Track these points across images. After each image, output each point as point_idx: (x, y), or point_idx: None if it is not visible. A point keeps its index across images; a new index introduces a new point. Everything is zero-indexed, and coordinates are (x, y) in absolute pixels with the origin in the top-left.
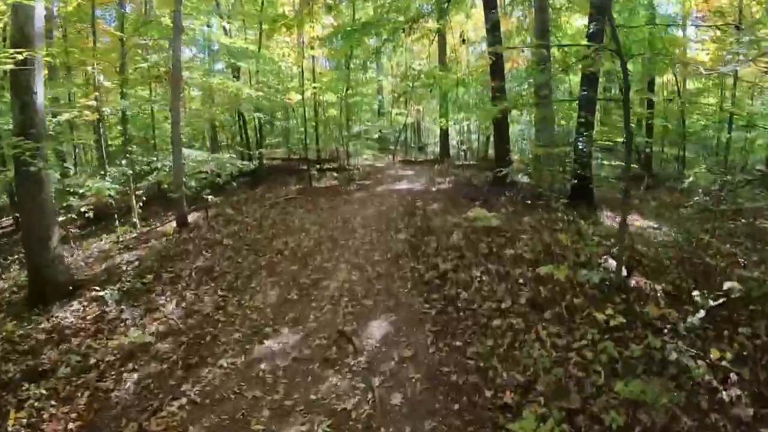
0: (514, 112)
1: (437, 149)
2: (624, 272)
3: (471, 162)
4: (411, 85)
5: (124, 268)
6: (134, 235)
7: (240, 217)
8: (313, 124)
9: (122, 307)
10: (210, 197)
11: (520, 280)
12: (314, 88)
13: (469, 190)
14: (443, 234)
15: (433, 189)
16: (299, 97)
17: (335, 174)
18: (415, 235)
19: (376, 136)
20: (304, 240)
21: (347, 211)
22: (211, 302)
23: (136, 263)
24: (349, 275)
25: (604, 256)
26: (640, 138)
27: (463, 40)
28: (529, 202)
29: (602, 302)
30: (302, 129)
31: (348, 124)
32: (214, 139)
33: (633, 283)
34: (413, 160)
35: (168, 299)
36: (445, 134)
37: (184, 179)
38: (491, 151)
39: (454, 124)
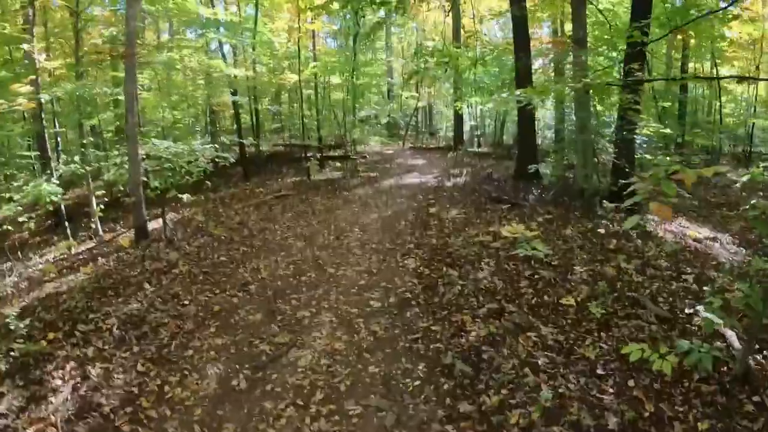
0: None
1: (449, 134)
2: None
3: (485, 149)
4: (423, 65)
5: (27, 319)
6: (91, 245)
7: (212, 225)
8: (314, 108)
9: (4, 388)
10: (186, 196)
11: (598, 368)
12: (314, 67)
13: (492, 188)
14: (468, 263)
15: (449, 184)
16: (296, 77)
17: (338, 164)
18: (429, 261)
19: (385, 120)
20: (282, 264)
21: (345, 216)
22: (123, 387)
23: (63, 297)
24: (330, 340)
25: (695, 308)
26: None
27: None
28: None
29: (729, 418)
30: (305, 113)
31: (354, 108)
32: (213, 126)
33: (751, 362)
34: (424, 146)
35: (66, 378)
36: (458, 119)
37: (144, 178)
38: (505, 137)
39: (470, 107)
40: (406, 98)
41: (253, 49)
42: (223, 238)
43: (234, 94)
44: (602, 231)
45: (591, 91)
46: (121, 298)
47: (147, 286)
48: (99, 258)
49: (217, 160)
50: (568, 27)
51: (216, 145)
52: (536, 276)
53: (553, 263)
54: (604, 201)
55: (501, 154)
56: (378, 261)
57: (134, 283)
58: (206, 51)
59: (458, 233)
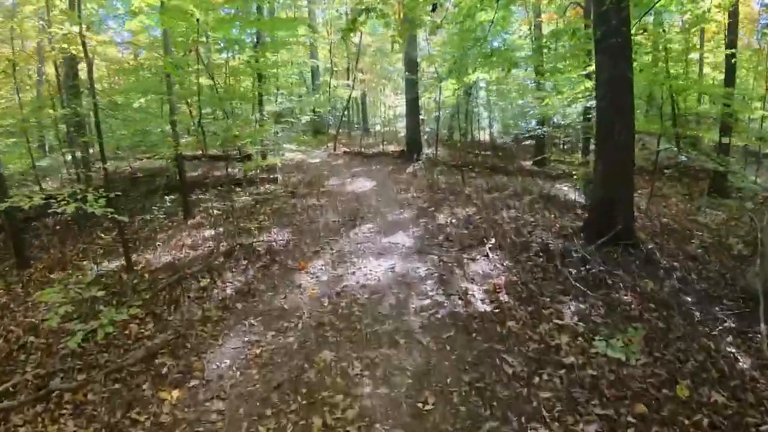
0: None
1: (384, 129)
2: None
3: (444, 154)
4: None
5: None
6: None
7: None
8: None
9: None
10: None
11: None
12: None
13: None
14: None
15: (484, 304)
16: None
17: (216, 207)
18: None
19: (306, 119)
20: None
21: None
22: None
23: None
24: None
25: None
26: None
27: None
28: None
29: None
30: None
31: (260, 101)
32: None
33: None
34: (364, 152)
35: None
36: (415, 111)
37: None
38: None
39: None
40: (335, 88)
41: None
42: None
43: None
44: None
45: None
46: None
47: None
48: None
49: None
50: None
51: None
52: None
53: None
54: None
55: (480, 162)
56: None
57: None
58: None
59: None
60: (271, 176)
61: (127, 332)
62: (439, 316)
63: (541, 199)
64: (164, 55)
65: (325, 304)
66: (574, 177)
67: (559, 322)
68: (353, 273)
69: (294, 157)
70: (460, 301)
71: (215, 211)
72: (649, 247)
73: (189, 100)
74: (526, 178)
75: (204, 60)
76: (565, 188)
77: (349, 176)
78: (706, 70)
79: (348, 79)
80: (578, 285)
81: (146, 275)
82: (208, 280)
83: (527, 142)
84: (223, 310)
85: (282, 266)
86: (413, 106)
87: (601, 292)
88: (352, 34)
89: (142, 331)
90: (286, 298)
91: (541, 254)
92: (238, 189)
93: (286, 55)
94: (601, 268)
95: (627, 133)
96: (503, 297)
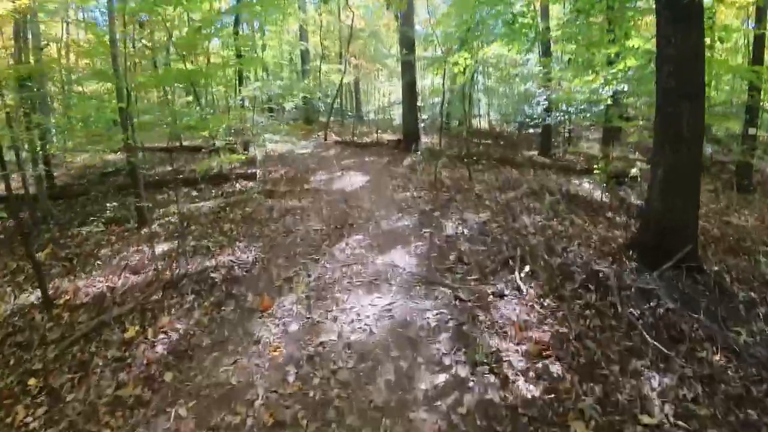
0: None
1: (379, 117)
2: None
3: (440, 143)
4: None
5: None
6: None
7: None
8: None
9: None
10: None
11: None
12: None
13: None
14: None
15: (529, 382)
16: None
17: (176, 213)
18: None
19: (292, 104)
20: None
21: None
22: None
23: None
24: None
25: None
26: None
27: None
28: None
29: None
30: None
31: (239, 82)
32: None
33: None
34: (357, 141)
35: None
36: (412, 95)
37: None
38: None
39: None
40: (327, 73)
41: None
42: None
43: None
44: None
45: None
46: None
47: None
48: None
49: None
50: None
51: None
52: None
53: None
54: None
55: (484, 153)
56: None
57: None
58: None
59: None
60: (250, 171)
61: (10, 419)
62: (463, 410)
63: (563, 200)
64: (107, 29)
65: (290, 380)
66: (596, 172)
67: (650, 421)
68: (334, 318)
69: (279, 148)
70: (492, 378)
71: (173, 219)
72: (715, 269)
73: (130, 85)
74: (538, 171)
75: (168, 35)
76: (587, 185)
77: (338, 170)
78: (717, 55)
79: (339, 64)
80: (653, 341)
81: (65, 315)
82: (137, 327)
83: (531, 131)
84: (144, 385)
85: (239, 305)
86: (410, 91)
87: (683, 350)
88: None
89: (29, 419)
90: (236, 365)
91: (589, 286)
92: (194, 192)
93: (273, 34)
94: (671, 306)
95: (697, 127)
96: (554, 367)
